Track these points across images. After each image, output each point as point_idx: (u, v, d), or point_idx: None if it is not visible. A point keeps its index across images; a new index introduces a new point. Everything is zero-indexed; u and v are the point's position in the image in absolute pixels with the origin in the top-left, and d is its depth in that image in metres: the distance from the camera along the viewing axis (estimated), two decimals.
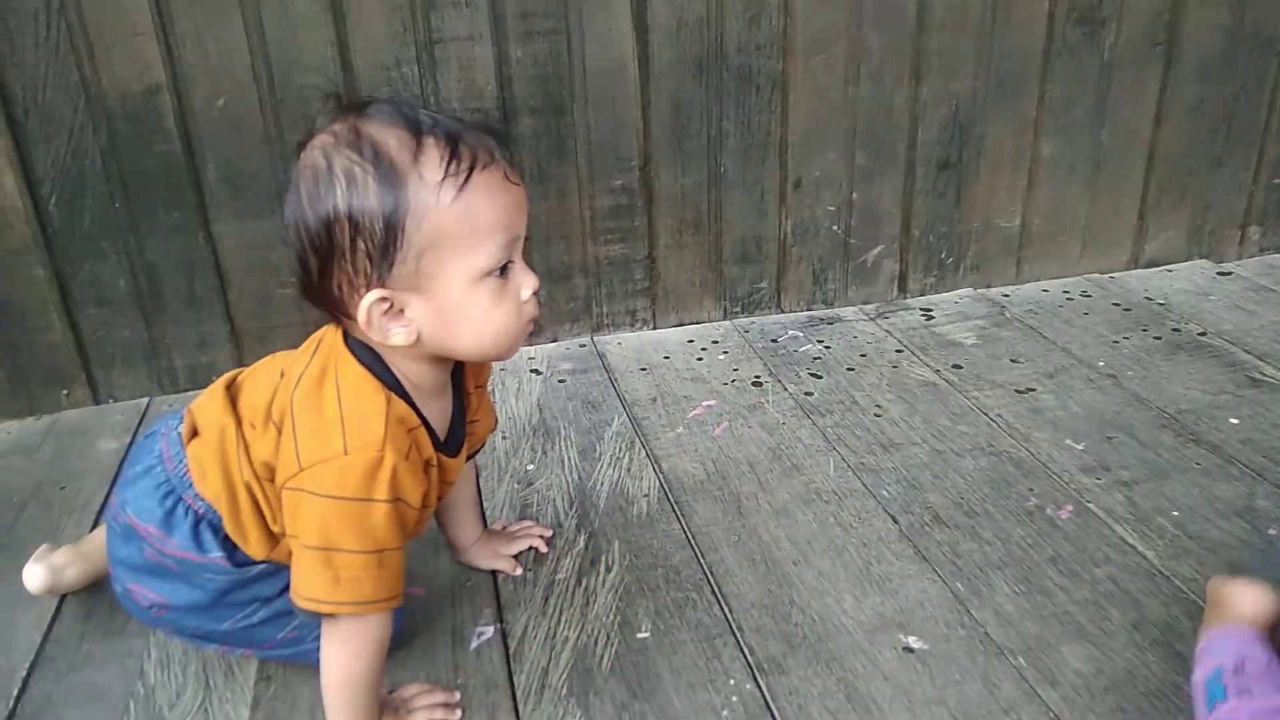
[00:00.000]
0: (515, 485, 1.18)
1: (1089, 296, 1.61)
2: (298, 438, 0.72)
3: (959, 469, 1.19)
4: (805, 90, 1.46)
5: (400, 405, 0.74)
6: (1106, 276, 1.67)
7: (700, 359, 1.47)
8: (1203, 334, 1.47)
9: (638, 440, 1.26)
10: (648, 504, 1.14)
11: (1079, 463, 1.19)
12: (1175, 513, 1.09)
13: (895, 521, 1.09)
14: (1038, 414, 1.30)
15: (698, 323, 1.58)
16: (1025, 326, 1.53)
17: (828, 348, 1.50)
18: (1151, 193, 1.64)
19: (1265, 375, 1.35)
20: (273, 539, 0.80)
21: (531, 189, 1.41)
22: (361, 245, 0.68)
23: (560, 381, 1.42)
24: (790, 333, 1.54)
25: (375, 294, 0.69)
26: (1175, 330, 1.49)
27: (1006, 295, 1.64)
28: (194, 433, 0.83)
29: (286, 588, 0.76)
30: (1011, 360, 1.43)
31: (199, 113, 1.27)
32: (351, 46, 1.29)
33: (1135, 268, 1.69)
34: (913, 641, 0.92)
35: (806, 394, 1.37)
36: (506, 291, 0.73)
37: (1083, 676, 0.87)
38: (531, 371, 1.45)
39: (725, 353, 1.49)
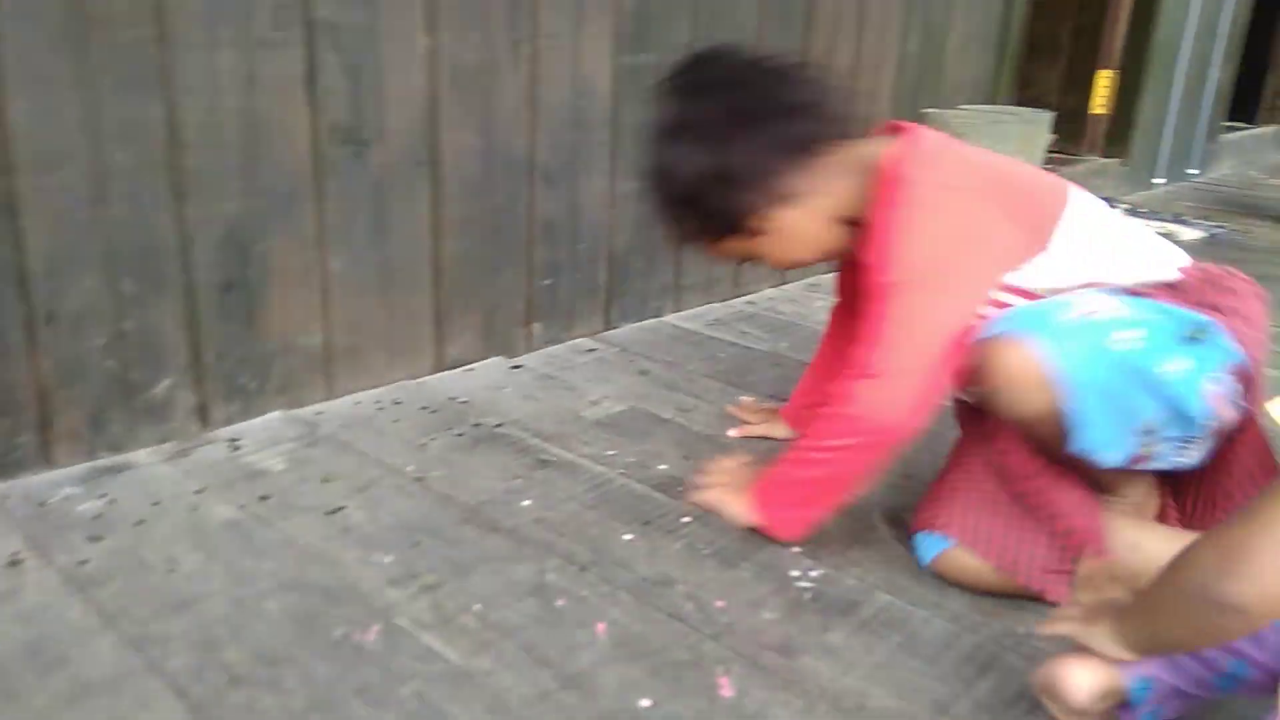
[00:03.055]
0: None
1: (399, 404, 1.64)
2: None
3: (262, 614, 1.08)
4: (41, 213, 1.26)
5: None
6: (415, 382, 1.73)
7: None
8: (499, 425, 1.58)
9: None
10: None
11: (387, 575, 1.17)
12: (477, 606, 1.12)
13: (184, 696, 0.95)
14: (348, 533, 1.25)
15: None
16: (338, 443, 1.50)
17: (113, 502, 1.29)
18: (444, 299, 1.74)
19: (551, 455, 1.49)
20: None
21: None
22: None
23: None
24: (65, 491, 1.31)
25: None
26: (476, 425, 1.58)
27: (319, 413, 1.59)
28: None
29: None
30: (323, 480, 1.38)
31: None
32: None
33: (441, 370, 1.77)
34: None
35: (81, 563, 1.15)
36: None
37: None
38: None
39: None
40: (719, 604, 1.14)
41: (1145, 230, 1.22)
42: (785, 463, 1.23)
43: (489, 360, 1.84)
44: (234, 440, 1.49)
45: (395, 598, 1.13)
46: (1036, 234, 1.14)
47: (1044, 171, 1.22)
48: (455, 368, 1.80)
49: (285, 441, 1.49)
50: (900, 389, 1.11)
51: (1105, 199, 1.19)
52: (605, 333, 2.04)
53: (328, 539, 1.24)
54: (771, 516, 1.24)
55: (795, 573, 1.20)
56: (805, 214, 1.18)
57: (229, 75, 1.40)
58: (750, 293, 2.34)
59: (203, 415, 1.49)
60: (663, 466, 1.47)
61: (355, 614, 1.09)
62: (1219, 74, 4.18)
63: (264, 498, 1.33)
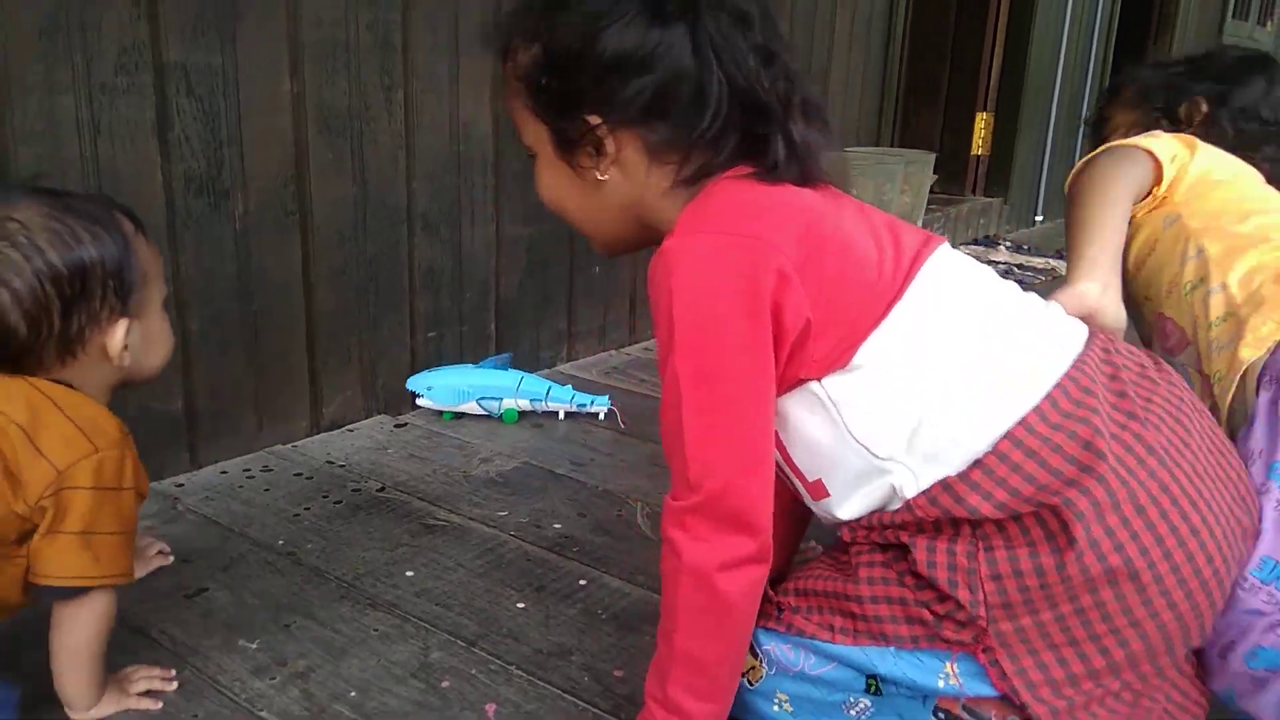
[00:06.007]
0: None
1: (270, 471, 1.53)
2: None
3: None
4: None
5: None
6: (290, 446, 1.61)
7: None
8: (381, 489, 1.48)
9: None
10: None
11: (252, 664, 1.05)
12: (353, 693, 1.02)
13: None
14: (209, 618, 1.14)
15: None
16: (200, 518, 1.37)
17: None
18: (319, 356, 1.63)
19: (438, 520, 1.40)
20: None
21: None
22: None
23: None
24: None
25: None
26: (355, 490, 1.48)
27: (181, 485, 1.46)
28: None
29: None
30: (183, 560, 1.26)
31: None
32: None
33: (318, 432, 1.66)
34: None
35: None
36: None
37: None
38: None
39: None
40: (618, 673, 1.06)
41: (1028, 304, 0.91)
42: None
43: (371, 419, 1.74)
44: None
45: (260, 689, 1.02)
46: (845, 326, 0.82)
47: (883, 244, 0.85)
48: (334, 429, 1.69)
49: (142, 519, 1.36)
50: (698, 507, 0.79)
51: (988, 238, 1.01)
52: None
53: (185, 626, 1.12)
54: None
55: None
56: (617, 182, 0.87)
57: (69, 122, 1.29)
58: (646, 339, 2.29)
59: None
60: (557, 525, 1.39)
61: (214, 710, 0.98)
62: (1089, 113, 4.37)
63: None
